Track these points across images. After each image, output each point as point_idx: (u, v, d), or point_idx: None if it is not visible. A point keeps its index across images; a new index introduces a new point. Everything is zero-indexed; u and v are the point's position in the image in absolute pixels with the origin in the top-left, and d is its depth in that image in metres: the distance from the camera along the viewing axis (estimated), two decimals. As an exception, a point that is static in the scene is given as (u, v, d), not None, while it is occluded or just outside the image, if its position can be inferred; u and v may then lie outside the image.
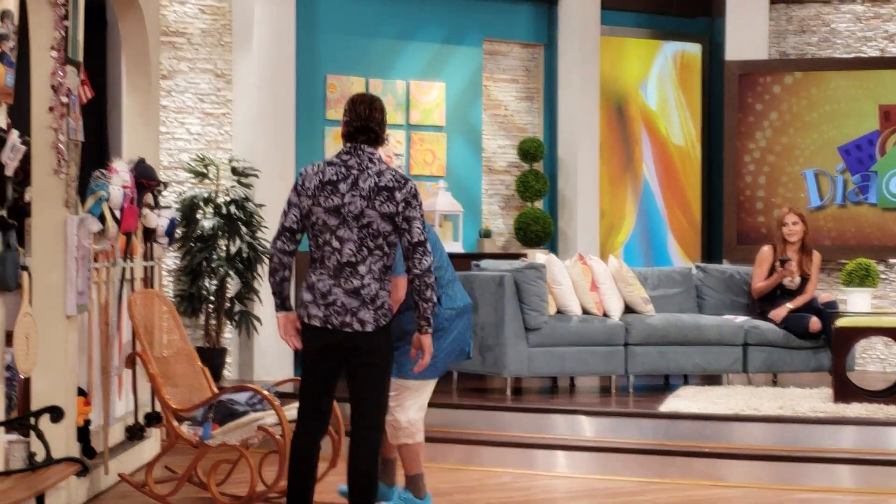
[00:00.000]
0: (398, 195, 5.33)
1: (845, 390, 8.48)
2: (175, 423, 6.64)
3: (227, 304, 10.53)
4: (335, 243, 5.32)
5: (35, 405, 6.14)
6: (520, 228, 11.92)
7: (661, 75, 12.78)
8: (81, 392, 6.76)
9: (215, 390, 7.07)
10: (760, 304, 9.95)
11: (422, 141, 11.80)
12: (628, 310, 9.56)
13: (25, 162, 6.06)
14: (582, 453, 8.01)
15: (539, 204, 12.21)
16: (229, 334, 10.75)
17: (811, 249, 9.96)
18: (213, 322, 10.52)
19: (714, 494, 7.38)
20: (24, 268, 5.83)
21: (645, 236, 12.69)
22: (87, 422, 6.82)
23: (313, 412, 5.45)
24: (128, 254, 7.63)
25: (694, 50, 12.92)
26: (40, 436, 5.41)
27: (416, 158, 11.77)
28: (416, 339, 5.49)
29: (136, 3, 8.21)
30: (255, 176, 10.58)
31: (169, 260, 10.48)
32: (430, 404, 8.58)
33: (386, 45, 11.65)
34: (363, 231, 5.31)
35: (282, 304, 5.45)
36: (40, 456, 5.47)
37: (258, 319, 10.51)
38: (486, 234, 11.87)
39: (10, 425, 5.83)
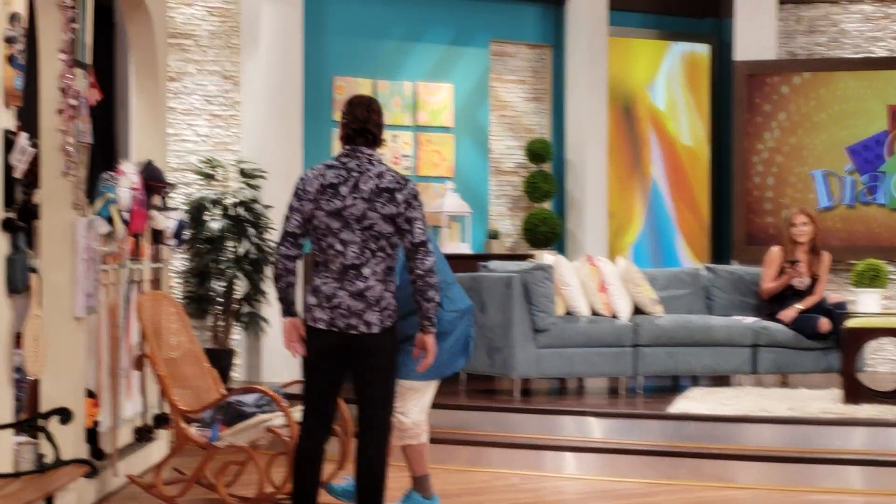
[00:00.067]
0: (399, 196, 5.34)
1: (855, 391, 8.46)
2: (183, 425, 6.64)
3: (235, 306, 10.53)
4: (338, 246, 5.32)
5: (44, 407, 6.15)
6: (528, 229, 11.91)
7: (669, 76, 12.77)
8: (90, 394, 6.77)
9: (223, 392, 7.07)
10: (770, 305, 9.93)
11: (429, 142, 11.80)
12: (637, 311, 9.54)
13: (34, 164, 6.07)
14: (591, 455, 8.00)
15: (547, 205, 12.20)
16: (237, 336, 10.75)
17: (821, 250, 9.94)
18: (221, 323, 10.53)
19: (724, 496, 7.36)
20: (33, 270, 5.83)
21: (653, 237, 12.68)
22: (96, 423, 6.83)
23: (318, 415, 5.45)
24: (136, 255, 7.64)
25: (702, 50, 12.90)
26: (49, 437, 5.41)
27: (424, 160, 11.76)
28: (419, 338, 5.50)
29: (143, 5, 8.21)
30: (263, 177, 10.58)
31: (177, 261, 10.48)
32: (439, 405, 8.60)
33: (393, 47, 11.65)
34: (366, 233, 5.31)
35: (287, 309, 5.45)
36: (49, 458, 5.47)
37: (266, 321, 10.51)
38: (494, 236, 11.87)
39: (19, 427, 5.83)
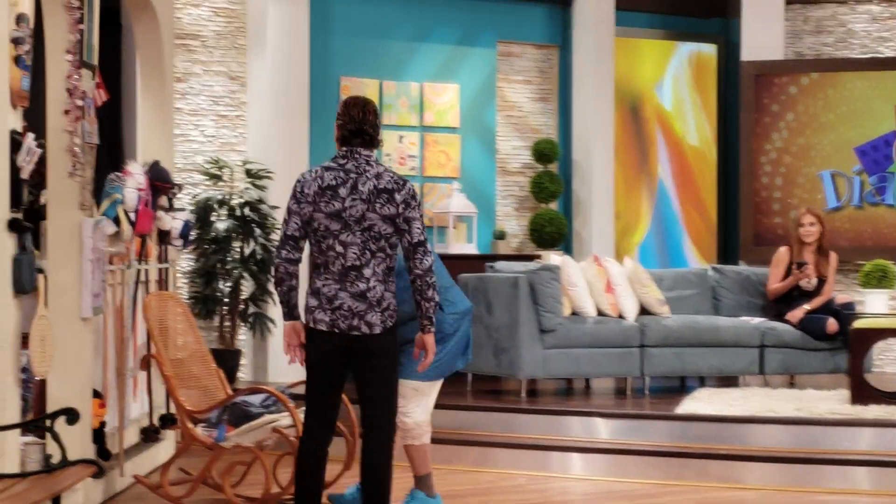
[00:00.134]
0: (398, 196, 5.35)
1: (863, 392, 8.44)
2: (190, 425, 6.64)
3: (242, 306, 10.54)
4: (339, 248, 5.33)
5: (51, 407, 6.15)
6: (534, 230, 11.90)
7: (677, 76, 12.75)
8: (97, 394, 6.77)
9: (230, 392, 7.07)
10: (777, 306, 9.92)
11: (436, 142, 11.79)
12: (644, 311, 9.53)
13: (41, 165, 6.07)
14: (597, 455, 7.99)
15: (553, 205, 12.19)
16: (243, 336, 10.76)
17: (828, 251, 9.92)
18: (228, 324, 10.53)
19: (731, 497, 7.35)
20: (40, 270, 5.84)
21: (660, 237, 12.66)
22: (103, 424, 6.83)
23: (320, 416, 5.46)
24: (142, 256, 7.64)
25: (709, 50, 12.89)
26: (56, 438, 5.41)
27: (430, 160, 11.76)
28: (419, 338, 5.52)
29: (150, 6, 8.22)
30: (269, 178, 10.58)
31: (183, 262, 10.49)
32: (446, 406, 8.61)
33: (400, 47, 11.64)
34: (365, 234, 5.32)
35: (289, 312, 5.46)
36: (56, 458, 5.47)
37: (272, 321, 10.52)
38: (501, 236, 11.86)
39: (25, 427, 5.83)
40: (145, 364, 7.15)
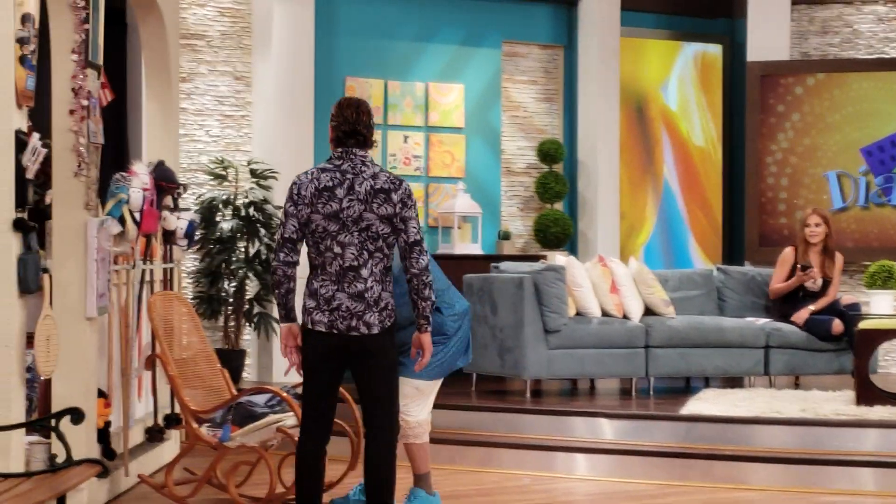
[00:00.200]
0: (395, 196, 5.36)
1: (868, 393, 8.43)
2: (194, 425, 6.64)
3: (246, 306, 10.54)
4: (337, 249, 5.34)
5: (55, 407, 6.15)
6: (539, 230, 11.90)
7: (682, 76, 12.74)
8: (101, 394, 6.77)
9: (234, 392, 7.07)
10: (782, 307, 9.91)
11: (441, 142, 11.79)
12: (649, 312, 9.53)
13: (46, 165, 6.07)
14: (602, 456, 7.99)
15: (559, 205, 12.19)
16: (248, 336, 10.76)
17: (834, 251, 9.91)
18: (232, 324, 10.54)
19: (736, 497, 7.35)
20: (45, 270, 5.84)
21: (665, 238, 12.65)
22: (108, 423, 6.83)
23: (318, 417, 5.48)
24: (147, 256, 7.64)
25: (715, 51, 12.88)
26: (61, 437, 5.42)
27: (435, 160, 11.76)
28: (416, 338, 5.54)
29: (155, 6, 8.22)
30: (274, 178, 10.59)
31: (188, 262, 10.50)
32: (450, 406, 8.63)
33: (405, 47, 11.64)
34: (363, 234, 5.34)
35: (287, 315, 5.48)
36: (61, 457, 5.48)
37: (277, 321, 10.51)
38: (506, 236, 11.85)
39: (30, 427, 5.84)
40: (150, 364, 7.16)
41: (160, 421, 7.65)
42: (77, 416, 5.44)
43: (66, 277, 6.26)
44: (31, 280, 5.58)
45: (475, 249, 11.44)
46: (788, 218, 12.21)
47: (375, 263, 5.36)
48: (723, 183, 12.83)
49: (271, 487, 6.57)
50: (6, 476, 5.19)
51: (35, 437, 5.98)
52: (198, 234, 9.68)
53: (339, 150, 5.45)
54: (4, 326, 5.51)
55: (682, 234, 12.70)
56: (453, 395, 9.09)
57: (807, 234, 9.86)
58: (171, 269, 8.18)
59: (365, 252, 5.34)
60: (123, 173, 7.11)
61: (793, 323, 9.69)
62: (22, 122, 5.62)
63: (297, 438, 6.42)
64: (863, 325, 8.79)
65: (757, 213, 12.33)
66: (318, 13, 11.05)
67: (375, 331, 5.36)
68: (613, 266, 9.47)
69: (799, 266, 9.79)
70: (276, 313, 10.51)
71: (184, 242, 8.22)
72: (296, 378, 7.81)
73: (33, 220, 5.71)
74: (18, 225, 5.52)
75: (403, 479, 6.58)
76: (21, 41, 5.51)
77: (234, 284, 10.49)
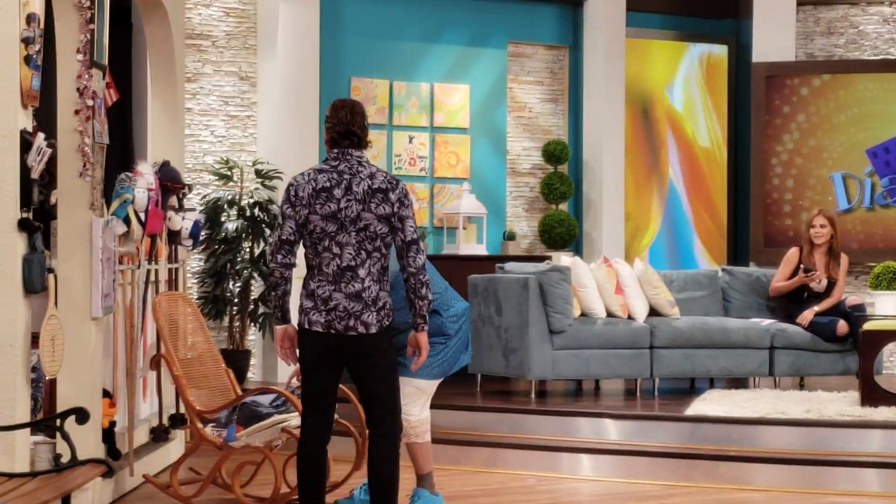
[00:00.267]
0: (392, 196, 5.38)
1: (873, 394, 8.43)
2: (199, 425, 6.64)
3: (251, 307, 10.54)
4: (335, 249, 5.36)
5: (60, 407, 6.16)
6: (544, 231, 11.90)
7: (688, 77, 12.74)
8: (106, 394, 6.78)
9: (239, 392, 7.07)
10: (787, 308, 9.90)
11: (446, 143, 11.79)
12: (653, 312, 9.53)
13: (51, 165, 6.08)
14: (607, 456, 7.98)
15: (564, 206, 12.19)
16: (253, 336, 10.77)
17: (839, 253, 9.90)
18: (237, 324, 10.54)
19: (740, 498, 7.34)
20: (50, 270, 5.85)
21: (670, 239, 12.65)
22: (112, 423, 6.84)
23: (318, 417, 5.49)
24: (152, 256, 7.65)
25: (720, 51, 12.87)
26: (66, 437, 5.42)
27: (441, 161, 11.76)
28: (412, 336, 5.54)
29: (161, 6, 8.23)
30: (280, 178, 10.59)
31: (193, 262, 10.51)
32: (455, 407, 8.63)
33: (410, 48, 11.65)
34: (361, 234, 5.35)
35: (283, 316, 5.51)
36: (66, 457, 5.48)
37: (291, 321, 10.50)
38: (511, 237, 11.86)
39: (35, 427, 5.84)
40: (155, 364, 7.16)
41: (165, 421, 7.66)
42: (82, 415, 5.44)
43: (71, 277, 6.27)
44: (36, 280, 5.59)
45: (480, 250, 11.44)
46: (793, 219, 12.20)
47: (373, 263, 5.38)
48: (728, 184, 12.82)
49: (276, 487, 6.57)
50: (11, 476, 5.20)
51: (40, 437, 5.98)
52: (203, 234, 9.68)
53: (335, 150, 5.47)
54: (9, 326, 5.51)
55: (687, 234, 12.69)
56: (458, 395, 9.09)
57: (812, 235, 9.86)
58: (176, 270, 8.19)
59: (363, 252, 5.36)
60: (128, 173, 7.12)
61: (798, 324, 9.69)
62: (27, 122, 5.63)
63: (301, 439, 6.45)
64: (867, 326, 8.78)
65: (762, 214, 12.32)
66: (323, 13, 11.05)
67: (373, 330, 5.37)
68: (618, 267, 9.47)
69: (802, 267, 9.78)
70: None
71: (189, 243, 8.23)
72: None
73: (38, 220, 5.71)
74: (23, 225, 5.53)
75: (407, 480, 6.59)
76: (26, 41, 5.52)
77: (238, 285, 10.50)
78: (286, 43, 10.82)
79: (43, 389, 6.66)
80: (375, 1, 11.47)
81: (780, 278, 9.93)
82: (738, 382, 10.02)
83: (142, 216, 7.15)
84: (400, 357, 5.80)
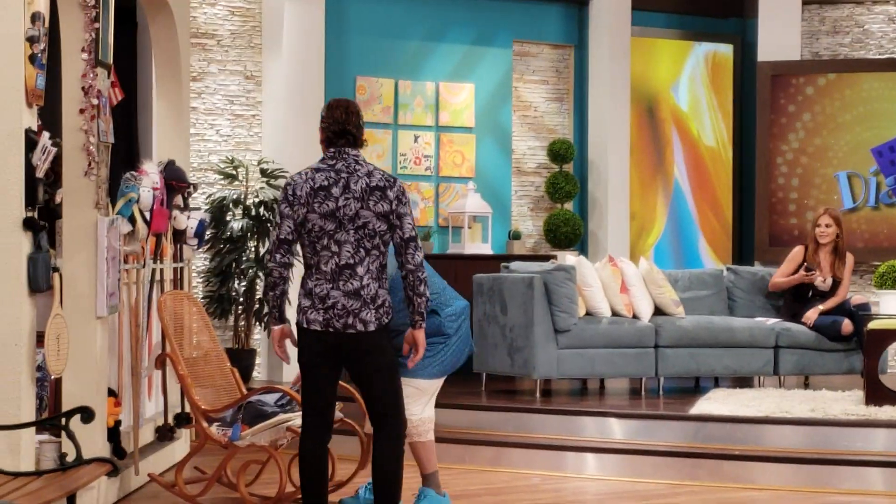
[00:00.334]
0: (390, 193, 5.41)
1: (877, 393, 8.42)
2: (204, 424, 6.65)
3: (256, 306, 10.55)
4: (333, 247, 5.37)
5: (66, 406, 6.16)
6: (549, 230, 11.90)
7: (693, 76, 12.73)
8: (112, 393, 6.79)
9: (244, 391, 7.08)
10: (792, 307, 9.90)
11: (451, 142, 11.79)
12: (658, 312, 9.52)
13: (56, 164, 6.09)
14: (612, 455, 7.98)
15: (569, 205, 12.19)
16: (258, 336, 10.77)
17: (845, 252, 9.89)
18: (243, 323, 10.55)
19: (745, 497, 7.34)
20: (55, 269, 5.85)
21: (675, 238, 12.64)
22: (118, 422, 6.84)
23: (317, 415, 5.51)
24: (157, 255, 7.65)
25: (726, 51, 12.86)
26: (71, 436, 5.43)
27: (446, 160, 11.76)
28: (409, 334, 5.57)
29: (166, 5, 8.24)
30: (285, 177, 10.59)
31: (198, 261, 10.51)
32: (460, 406, 8.63)
33: (415, 47, 11.65)
34: (359, 232, 5.37)
35: (280, 316, 5.56)
36: (71, 456, 5.49)
37: (287, 321, 10.50)
38: (516, 236, 11.86)
39: (41, 426, 5.86)
40: (160, 363, 7.17)
41: (170, 420, 7.66)
42: (87, 414, 5.45)
43: (77, 276, 6.27)
44: (41, 279, 5.59)
45: (485, 249, 11.44)
46: (799, 218, 12.19)
47: (372, 261, 5.39)
48: (733, 183, 12.82)
49: (281, 486, 6.58)
50: (17, 475, 5.21)
51: (45, 436, 5.99)
52: (208, 233, 9.70)
53: (332, 150, 5.49)
54: (14, 325, 5.52)
55: (693, 234, 12.68)
56: (463, 394, 9.09)
57: (817, 234, 9.86)
58: (182, 269, 8.19)
59: (362, 250, 5.38)
60: (134, 172, 7.12)
61: (802, 323, 9.68)
62: (32, 121, 5.64)
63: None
64: (872, 325, 8.78)
65: (767, 214, 12.31)
66: (328, 12, 11.06)
67: (372, 328, 5.38)
68: (623, 266, 9.47)
69: (804, 266, 9.79)
70: (287, 313, 10.49)
71: (194, 242, 8.23)
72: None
73: (43, 219, 5.72)
74: (28, 224, 5.54)
75: (413, 479, 6.60)
76: (31, 40, 5.52)
77: (244, 284, 10.51)
78: (291, 42, 10.83)
79: (48, 388, 6.68)
80: (381, 0, 11.47)
81: (781, 274, 9.94)
82: (743, 381, 10.02)
83: (147, 215, 7.16)
84: (399, 357, 5.80)
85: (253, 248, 10.52)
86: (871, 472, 7.50)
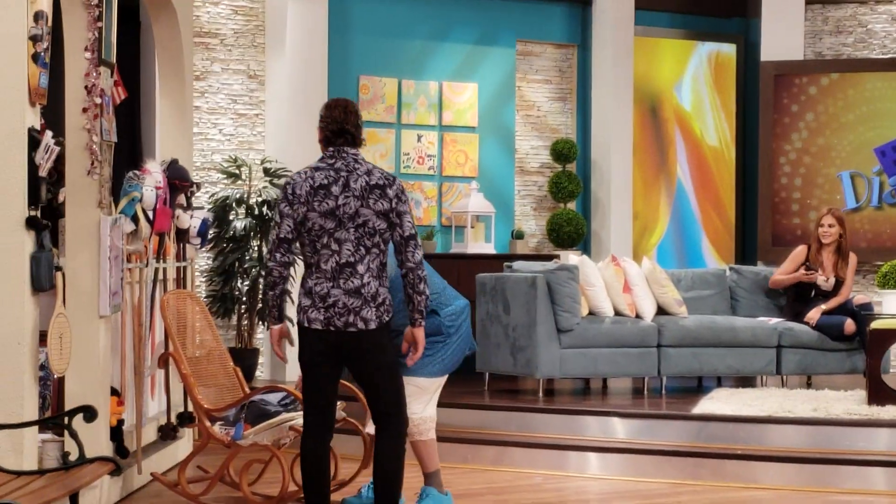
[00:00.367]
0: (390, 191, 5.42)
1: (880, 392, 8.42)
2: (207, 423, 6.66)
3: (259, 305, 10.55)
4: (334, 245, 5.38)
5: (68, 405, 6.17)
6: (552, 229, 11.90)
7: (696, 76, 12.73)
8: (114, 392, 6.79)
9: (247, 391, 7.08)
10: (795, 307, 9.90)
11: (454, 142, 11.80)
12: (661, 311, 9.52)
13: (59, 163, 6.09)
14: (614, 455, 7.98)
15: (572, 205, 12.18)
16: (261, 335, 10.78)
17: (848, 252, 9.89)
18: (246, 322, 10.55)
19: (747, 496, 7.34)
20: (58, 268, 5.86)
21: (678, 238, 12.64)
22: (121, 421, 6.85)
23: (318, 415, 5.52)
24: (160, 254, 7.66)
25: (729, 50, 12.86)
26: (74, 435, 5.43)
27: (449, 159, 11.76)
28: (409, 332, 5.58)
29: (169, 4, 8.24)
30: (287, 177, 10.58)
31: (201, 260, 10.52)
32: (463, 405, 8.63)
33: (419, 46, 11.65)
34: (359, 231, 5.38)
35: (279, 316, 5.58)
36: (74, 455, 5.49)
37: (290, 320, 10.50)
38: (519, 236, 11.86)
39: (43, 425, 5.86)
40: (163, 362, 7.17)
41: (173, 419, 7.67)
42: (90, 414, 5.46)
43: (79, 275, 6.28)
44: (44, 278, 5.60)
45: (488, 249, 11.45)
46: (801, 218, 12.18)
47: (372, 259, 5.40)
48: (736, 183, 12.82)
49: (284, 486, 6.58)
50: (19, 473, 5.21)
51: (48, 435, 5.99)
52: (211, 232, 9.70)
53: (331, 149, 5.50)
54: (17, 324, 5.53)
55: (695, 233, 12.68)
56: (466, 394, 9.10)
57: (820, 234, 9.85)
58: (185, 268, 8.20)
59: (362, 248, 5.39)
60: (137, 171, 7.13)
61: (805, 323, 9.68)
62: (35, 120, 5.64)
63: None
64: (875, 324, 8.77)
65: (770, 213, 12.31)
66: (331, 12, 11.06)
67: (372, 326, 5.39)
68: (626, 266, 9.47)
69: (806, 265, 9.79)
70: (289, 312, 10.46)
71: (197, 241, 8.24)
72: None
73: (46, 218, 5.72)
74: (31, 223, 5.54)
75: (415, 479, 6.60)
76: (34, 39, 5.53)
77: (247, 283, 10.51)
78: (294, 41, 10.83)
79: (51, 387, 6.68)
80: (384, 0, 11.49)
81: (782, 272, 9.95)
82: (746, 381, 10.01)
83: (150, 214, 7.16)
84: (399, 356, 5.80)
85: (256, 248, 10.53)
86: (873, 471, 7.49)
